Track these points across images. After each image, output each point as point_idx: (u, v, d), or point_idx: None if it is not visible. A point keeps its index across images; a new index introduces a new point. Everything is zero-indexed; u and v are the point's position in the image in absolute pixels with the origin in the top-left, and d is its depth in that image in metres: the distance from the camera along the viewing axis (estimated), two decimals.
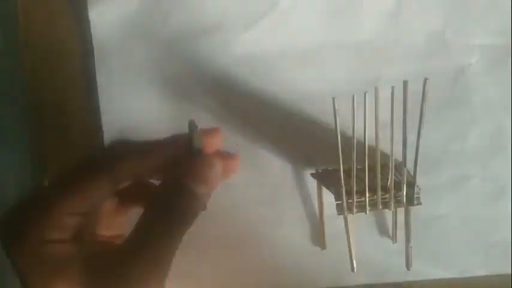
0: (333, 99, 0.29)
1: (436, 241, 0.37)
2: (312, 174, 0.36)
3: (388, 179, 0.33)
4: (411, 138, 0.32)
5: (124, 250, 0.21)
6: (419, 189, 0.33)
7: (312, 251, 0.38)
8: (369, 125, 0.31)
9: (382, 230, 0.38)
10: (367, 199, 0.33)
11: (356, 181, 0.33)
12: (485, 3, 0.35)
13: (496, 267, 0.38)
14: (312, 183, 0.37)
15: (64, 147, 0.37)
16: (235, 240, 0.37)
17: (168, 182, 0.23)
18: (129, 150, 0.24)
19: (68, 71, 0.36)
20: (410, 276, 0.38)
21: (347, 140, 0.32)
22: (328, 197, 0.36)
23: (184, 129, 0.25)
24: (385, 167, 0.33)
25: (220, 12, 0.35)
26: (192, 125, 0.24)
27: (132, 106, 0.36)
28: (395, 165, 0.33)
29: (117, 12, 0.35)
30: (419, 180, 0.36)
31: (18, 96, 0.37)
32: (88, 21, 0.35)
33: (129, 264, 0.21)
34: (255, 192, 0.37)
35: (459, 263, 0.38)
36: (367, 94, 0.30)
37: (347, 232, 0.34)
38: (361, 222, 0.36)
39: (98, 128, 0.36)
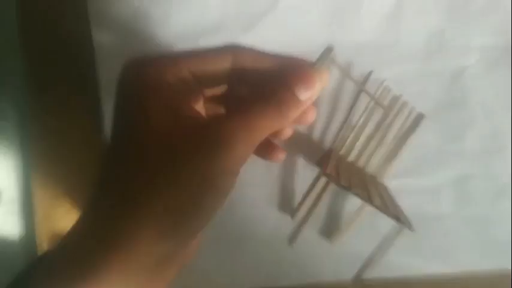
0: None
1: (436, 240, 0.37)
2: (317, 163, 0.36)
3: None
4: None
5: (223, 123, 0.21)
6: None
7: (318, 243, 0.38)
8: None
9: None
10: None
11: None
12: (484, 4, 0.36)
13: (496, 264, 0.38)
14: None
15: (64, 147, 0.37)
16: (234, 234, 0.37)
17: (275, 82, 0.23)
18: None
19: (70, 71, 0.36)
20: (409, 272, 0.38)
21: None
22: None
23: None
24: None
25: (220, 12, 0.35)
26: (329, 49, 0.24)
27: None
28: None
29: (117, 12, 0.35)
30: (420, 180, 0.37)
31: (19, 97, 0.37)
32: (88, 22, 0.35)
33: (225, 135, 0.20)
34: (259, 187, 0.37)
35: (459, 258, 0.38)
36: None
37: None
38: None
39: (99, 129, 0.36)
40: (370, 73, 0.34)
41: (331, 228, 0.37)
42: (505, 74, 0.36)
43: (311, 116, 0.25)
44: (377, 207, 0.31)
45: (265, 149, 0.28)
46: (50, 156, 0.37)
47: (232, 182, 0.21)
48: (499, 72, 0.36)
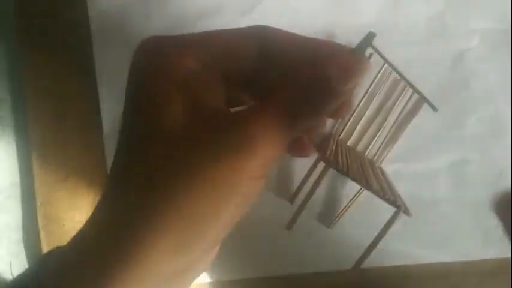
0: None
1: (435, 225, 0.37)
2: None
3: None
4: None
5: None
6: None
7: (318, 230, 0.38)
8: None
9: None
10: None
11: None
12: None
13: (495, 251, 0.38)
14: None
15: (64, 145, 0.37)
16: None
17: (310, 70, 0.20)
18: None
19: (67, 63, 0.36)
20: (408, 260, 0.38)
21: None
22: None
23: None
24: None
25: None
26: (372, 34, 0.22)
27: None
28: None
29: None
30: (418, 165, 0.37)
31: (17, 95, 0.37)
32: (85, 5, 0.35)
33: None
34: None
35: (458, 247, 0.38)
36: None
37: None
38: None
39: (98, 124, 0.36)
40: (371, 55, 0.33)
41: (329, 215, 0.37)
42: (505, 58, 0.36)
43: (348, 109, 0.22)
44: (374, 192, 0.31)
45: (292, 144, 0.24)
46: (49, 141, 0.37)
47: (259, 188, 0.19)
48: (499, 56, 0.36)
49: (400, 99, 0.36)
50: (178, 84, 0.19)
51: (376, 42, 0.35)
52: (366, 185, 0.31)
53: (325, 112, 0.20)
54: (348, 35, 0.35)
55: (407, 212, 0.32)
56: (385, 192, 0.32)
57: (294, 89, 0.19)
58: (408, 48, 0.36)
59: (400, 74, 0.30)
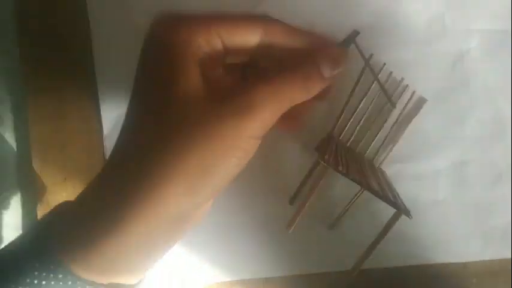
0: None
1: (435, 226, 0.37)
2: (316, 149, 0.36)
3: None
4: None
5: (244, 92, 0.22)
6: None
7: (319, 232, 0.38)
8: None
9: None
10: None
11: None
12: None
13: (495, 252, 0.38)
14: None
15: (63, 146, 0.37)
16: (236, 225, 0.37)
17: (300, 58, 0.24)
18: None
19: (67, 64, 0.36)
20: (408, 261, 0.38)
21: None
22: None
23: None
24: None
25: None
26: (355, 32, 0.27)
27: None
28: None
29: None
30: (418, 166, 0.37)
31: (18, 95, 0.37)
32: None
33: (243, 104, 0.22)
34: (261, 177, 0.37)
35: (458, 247, 0.38)
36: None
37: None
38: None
39: (98, 122, 0.36)
40: (370, 56, 0.33)
41: (329, 216, 0.37)
42: (505, 58, 0.36)
43: (329, 93, 0.27)
44: (374, 193, 0.31)
45: (284, 120, 0.26)
46: (49, 142, 0.37)
47: (256, 146, 0.23)
48: (499, 56, 0.36)
49: (399, 99, 0.36)
50: (194, 58, 0.22)
51: (376, 42, 0.36)
52: (366, 185, 0.31)
53: (312, 92, 0.24)
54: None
55: (407, 213, 0.32)
56: (385, 193, 0.32)
57: (288, 69, 0.23)
58: (408, 49, 0.36)
59: (371, 69, 0.31)
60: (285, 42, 0.25)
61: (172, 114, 0.21)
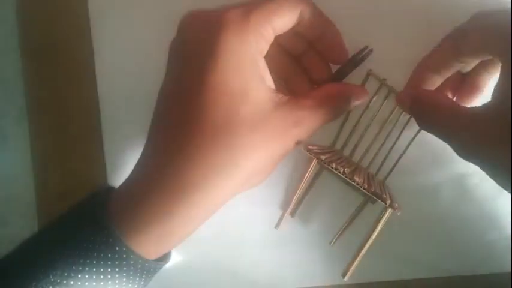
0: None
1: (436, 239, 0.37)
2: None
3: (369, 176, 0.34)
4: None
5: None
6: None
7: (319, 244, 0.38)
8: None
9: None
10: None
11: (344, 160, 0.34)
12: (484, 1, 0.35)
13: (496, 265, 0.37)
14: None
15: (64, 145, 0.37)
16: (235, 237, 0.37)
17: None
18: None
19: (68, 68, 0.36)
20: (408, 274, 0.38)
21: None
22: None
23: None
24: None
25: None
26: (370, 50, 0.31)
27: (133, 96, 0.36)
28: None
29: None
30: (420, 179, 0.37)
31: (17, 94, 0.37)
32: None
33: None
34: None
35: (459, 261, 0.38)
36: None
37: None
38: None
39: (97, 126, 0.36)
40: (370, 50, 0.32)
41: (330, 231, 0.37)
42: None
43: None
44: (358, 183, 0.30)
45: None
46: (50, 153, 0.37)
47: (293, 148, 0.27)
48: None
49: (402, 114, 0.36)
50: (262, 63, 0.25)
51: (377, 50, 0.35)
52: (350, 175, 0.30)
53: (340, 114, 0.30)
54: (348, 43, 0.35)
55: (393, 206, 0.31)
56: (370, 187, 0.31)
57: (322, 102, 0.27)
58: (409, 52, 0.35)
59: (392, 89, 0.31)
60: (312, 23, 0.28)
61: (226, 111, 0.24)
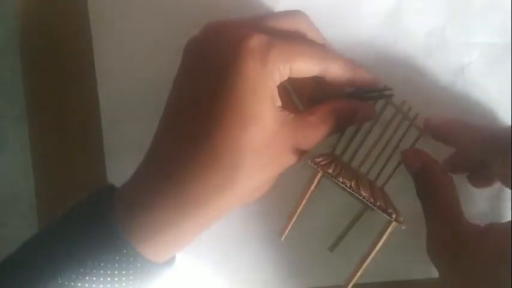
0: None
1: None
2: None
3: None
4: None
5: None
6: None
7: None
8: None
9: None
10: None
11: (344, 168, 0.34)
12: (485, 2, 0.35)
13: None
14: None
15: (64, 145, 0.37)
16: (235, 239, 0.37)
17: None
18: None
19: (68, 68, 0.36)
20: (410, 275, 0.38)
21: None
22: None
23: None
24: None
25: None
26: (390, 94, 0.32)
27: (133, 96, 0.36)
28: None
29: None
30: None
31: (17, 94, 0.37)
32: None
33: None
34: None
35: None
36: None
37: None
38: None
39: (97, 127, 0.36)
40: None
41: (329, 234, 0.37)
42: (505, 72, 0.36)
43: None
44: (364, 197, 0.30)
45: None
46: (50, 157, 0.37)
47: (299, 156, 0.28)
48: (499, 69, 0.36)
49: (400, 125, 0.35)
50: (272, 93, 0.25)
51: (376, 57, 0.35)
52: (357, 190, 0.30)
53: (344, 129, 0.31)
54: (348, 50, 0.35)
55: (399, 220, 0.31)
56: (376, 200, 0.31)
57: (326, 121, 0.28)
58: (408, 63, 0.36)
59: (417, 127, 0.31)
60: (337, 78, 0.28)
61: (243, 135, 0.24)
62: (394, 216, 0.30)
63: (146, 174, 0.26)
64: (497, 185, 0.36)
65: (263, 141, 0.25)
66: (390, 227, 0.31)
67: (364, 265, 0.32)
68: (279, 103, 0.26)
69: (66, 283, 0.23)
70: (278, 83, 0.26)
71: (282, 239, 0.36)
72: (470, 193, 0.37)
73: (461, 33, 0.36)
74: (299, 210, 0.34)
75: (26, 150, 0.37)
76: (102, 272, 0.23)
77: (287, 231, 0.35)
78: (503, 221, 0.37)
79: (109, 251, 0.24)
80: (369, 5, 0.35)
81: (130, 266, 0.24)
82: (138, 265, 0.24)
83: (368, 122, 0.35)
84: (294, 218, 0.35)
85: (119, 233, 0.24)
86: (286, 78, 0.26)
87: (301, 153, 0.27)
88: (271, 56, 0.24)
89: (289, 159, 0.27)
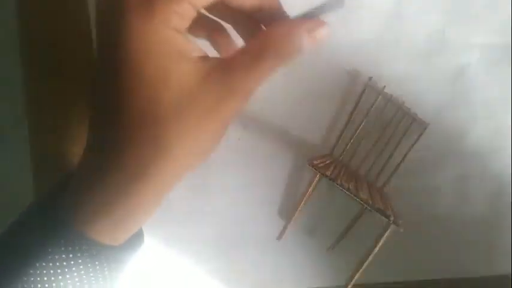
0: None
1: (436, 241, 0.37)
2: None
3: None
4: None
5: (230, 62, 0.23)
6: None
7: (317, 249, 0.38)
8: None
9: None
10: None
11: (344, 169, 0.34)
12: (485, 3, 0.35)
13: (496, 267, 0.37)
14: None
15: (64, 145, 0.37)
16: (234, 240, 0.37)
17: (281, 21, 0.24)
18: None
19: (68, 68, 0.36)
20: (409, 276, 0.38)
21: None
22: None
23: None
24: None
25: None
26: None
27: None
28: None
29: None
30: (419, 181, 0.37)
31: (17, 94, 0.37)
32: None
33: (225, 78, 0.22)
34: (257, 190, 0.37)
35: (458, 263, 0.38)
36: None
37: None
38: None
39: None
40: (370, 79, 0.33)
41: (328, 235, 0.37)
42: (505, 73, 0.36)
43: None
44: (362, 200, 0.30)
45: None
46: (49, 157, 0.37)
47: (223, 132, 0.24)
48: (499, 71, 0.36)
49: (400, 123, 0.36)
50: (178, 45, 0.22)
51: (376, 58, 0.35)
52: (355, 193, 0.30)
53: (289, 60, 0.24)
54: (350, 51, 0.35)
55: (397, 223, 0.31)
56: (374, 202, 0.31)
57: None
58: (409, 64, 0.36)
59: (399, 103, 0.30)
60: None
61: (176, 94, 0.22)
62: (392, 218, 0.30)
63: (85, 157, 0.25)
64: (497, 184, 0.36)
65: (182, 103, 0.22)
66: (389, 230, 0.31)
67: (364, 265, 0.32)
68: (195, 53, 0.23)
69: (32, 279, 0.23)
70: (185, 27, 0.23)
71: (281, 240, 0.36)
72: (470, 193, 0.37)
73: (461, 33, 0.36)
74: (298, 211, 0.35)
75: (26, 150, 0.37)
76: (51, 264, 0.23)
77: (286, 232, 0.36)
78: (503, 220, 0.37)
79: (55, 242, 0.23)
80: (369, 6, 0.35)
81: (85, 252, 0.23)
82: (94, 252, 0.24)
83: (368, 122, 0.35)
84: (293, 219, 0.35)
85: (65, 222, 0.24)
86: (193, 16, 0.23)
87: (236, 107, 0.23)
88: (156, 4, 0.21)
89: (221, 115, 0.23)
